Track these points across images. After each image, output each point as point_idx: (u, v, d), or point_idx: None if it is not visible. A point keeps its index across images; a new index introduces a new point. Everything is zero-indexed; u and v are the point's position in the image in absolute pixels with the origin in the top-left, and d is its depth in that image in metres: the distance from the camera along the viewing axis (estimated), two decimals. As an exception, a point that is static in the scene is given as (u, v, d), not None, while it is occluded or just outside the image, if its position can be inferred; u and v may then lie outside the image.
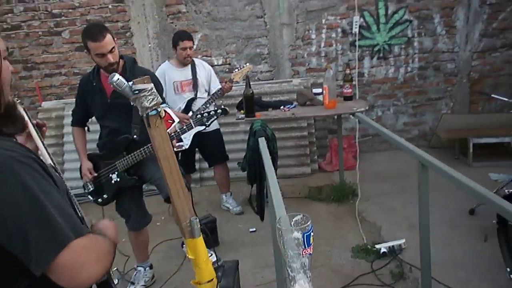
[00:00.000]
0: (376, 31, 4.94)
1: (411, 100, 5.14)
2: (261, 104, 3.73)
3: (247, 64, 3.79)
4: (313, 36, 4.96)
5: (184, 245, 3.03)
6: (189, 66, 3.74)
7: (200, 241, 1.46)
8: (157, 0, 4.87)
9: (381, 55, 5.01)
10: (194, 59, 3.83)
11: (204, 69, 3.81)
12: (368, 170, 4.54)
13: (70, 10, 4.89)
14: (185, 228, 1.45)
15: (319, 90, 3.84)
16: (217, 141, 3.88)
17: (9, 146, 0.91)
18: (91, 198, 2.67)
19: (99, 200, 2.65)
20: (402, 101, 5.14)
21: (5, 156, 0.87)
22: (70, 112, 2.83)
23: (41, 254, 0.86)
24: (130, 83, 1.33)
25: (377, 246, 3.06)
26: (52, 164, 1.28)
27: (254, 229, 3.60)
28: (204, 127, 2.58)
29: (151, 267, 3.01)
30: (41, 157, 1.12)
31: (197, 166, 4.39)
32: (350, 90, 3.81)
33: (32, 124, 1.37)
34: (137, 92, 1.31)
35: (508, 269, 2.49)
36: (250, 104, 3.40)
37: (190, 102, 3.69)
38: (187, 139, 3.62)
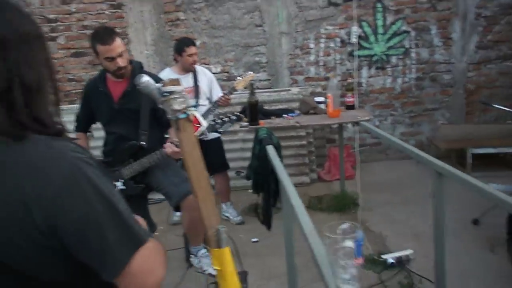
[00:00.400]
0: (374, 41, 4.97)
1: (408, 110, 5.16)
2: (264, 112, 3.69)
3: (250, 72, 3.76)
4: (312, 46, 4.96)
5: (192, 257, 2.94)
6: (191, 73, 3.69)
7: (226, 251, 1.40)
8: (156, 7, 4.82)
9: (379, 65, 5.03)
10: (196, 66, 3.78)
11: (205, 77, 3.76)
12: (367, 180, 4.51)
13: (66, 16, 4.81)
14: (211, 237, 1.39)
15: (321, 99, 3.82)
16: (218, 150, 3.82)
17: (73, 147, 0.86)
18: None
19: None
20: (399, 111, 5.16)
21: (74, 158, 0.83)
22: (66, 118, 2.73)
23: (117, 258, 0.83)
24: (159, 84, 1.27)
25: (384, 257, 3.02)
26: None
27: (257, 239, 3.53)
28: (218, 134, 2.51)
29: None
30: None
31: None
32: (352, 99, 3.80)
33: None
34: (166, 94, 1.26)
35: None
36: (255, 112, 3.35)
37: (191, 110, 3.62)
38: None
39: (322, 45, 4.96)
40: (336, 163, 4.77)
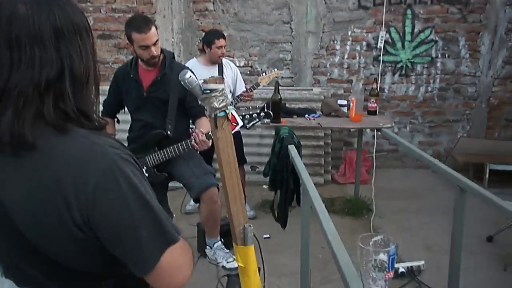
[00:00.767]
0: (401, 48, 4.93)
1: (429, 120, 5.13)
2: (286, 110, 3.70)
3: (275, 69, 3.76)
4: (338, 47, 4.94)
5: (207, 248, 2.97)
6: (216, 65, 3.70)
7: (251, 249, 1.42)
8: (185, -4, 4.84)
9: (403, 72, 4.99)
10: (223, 59, 3.80)
11: (230, 70, 3.78)
12: (382, 186, 4.50)
13: (96, -3, 4.85)
14: (238, 235, 1.42)
15: (344, 102, 3.82)
16: (237, 143, 3.78)
17: (111, 142, 0.87)
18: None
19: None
20: (419, 120, 5.13)
21: (112, 154, 0.83)
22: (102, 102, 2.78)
23: (149, 255, 0.84)
24: (201, 81, 1.30)
25: (395, 265, 3.02)
26: None
27: (268, 236, 3.55)
28: (244, 129, 2.53)
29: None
30: None
31: (212, 166, 4.35)
32: (375, 105, 3.79)
33: None
34: (208, 91, 1.28)
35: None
36: (277, 109, 3.36)
37: (214, 102, 3.65)
38: (208, 138, 3.58)
39: (348, 47, 4.94)
40: (351, 166, 4.77)
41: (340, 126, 3.68)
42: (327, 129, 4.46)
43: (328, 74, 5.02)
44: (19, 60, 0.79)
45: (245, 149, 4.25)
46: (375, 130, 3.75)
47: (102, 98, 2.85)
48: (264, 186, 4.10)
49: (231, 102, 3.65)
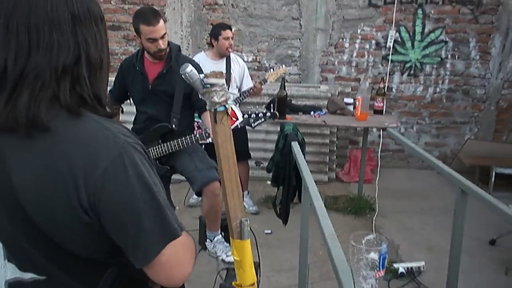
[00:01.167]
0: (410, 47, 4.89)
1: (436, 121, 5.09)
2: (292, 107, 3.70)
3: (283, 65, 3.77)
4: (347, 45, 4.92)
5: (208, 241, 2.99)
6: (224, 60, 3.71)
7: (247, 243, 1.43)
8: (195, -11, 4.84)
9: (412, 72, 4.96)
10: (230, 53, 3.80)
11: (238, 65, 3.78)
12: (385, 186, 4.49)
13: (107, -12, 4.87)
14: (235, 229, 1.42)
15: (350, 101, 3.80)
16: (242, 139, 3.85)
17: (123, 130, 0.88)
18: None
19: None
20: (426, 120, 5.10)
21: (123, 141, 0.84)
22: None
23: (149, 246, 0.84)
24: (202, 75, 1.30)
25: (395, 265, 3.03)
26: None
27: (270, 231, 3.57)
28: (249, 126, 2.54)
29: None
30: None
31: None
32: (381, 104, 3.77)
33: None
34: (208, 86, 1.28)
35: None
36: (283, 105, 3.37)
37: (220, 96, 3.66)
38: (213, 132, 3.59)
39: (357, 45, 4.92)
40: (356, 165, 4.77)
41: (345, 124, 3.67)
42: (332, 127, 4.45)
43: (336, 72, 5.00)
44: (37, 44, 0.80)
45: (250, 145, 4.26)
46: (381, 130, 3.72)
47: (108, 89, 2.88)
48: (268, 182, 4.11)
49: (237, 97, 3.66)
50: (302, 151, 3.03)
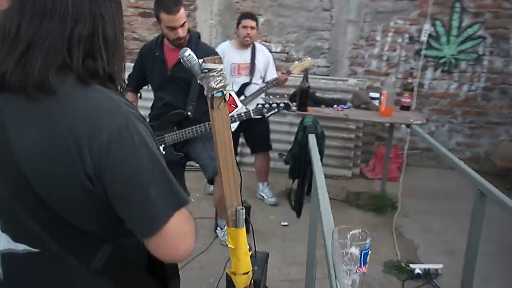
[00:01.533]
0: (445, 42, 4.70)
1: (469, 121, 4.89)
2: (315, 99, 3.64)
3: (309, 58, 3.71)
4: (378, 38, 4.78)
5: (218, 229, 3.01)
6: (249, 49, 3.69)
7: (242, 232, 1.42)
8: (227, -22, 4.83)
9: (446, 68, 4.77)
10: (256, 43, 3.78)
11: (263, 55, 3.75)
12: (411, 185, 4.36)
13: (140, -24, 4.94)
14: (230, 217, 1.42)
15: (376, 95, 3.70)
16: (263, 130, 3.83)
17: (126, 102, 0.88)
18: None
19: (143, 169, 2.66)
20: (459, 119, 4.90)
21: (127, 111, 0.85)
22: (127, 77, 2.84)
23: (156, 215, 0.83)
24: (201, 60, 1.29)
25: (412, 266, 2.94)
26: None
27: (287, 223, 3.54)
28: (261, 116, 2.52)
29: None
30: None
31: (238, 150, 4.38)
32: (409, 100, 3.65)
33: None
34: (206, 71, 1.27)
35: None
36: (305, 97, 3.32)
37: (243, 87, 3.65)
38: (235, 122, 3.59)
39: (389, 39, 4.77)
40: (381, 161, 4.64)
41: (368, 119, 3.58)
42: (357, 121, 4.35)
43: (366, 65, 4.88)
44: (53, 11, 0.82)
45: (274, 136, 4.24)
46: (409, 127, 3.60)
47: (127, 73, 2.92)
48: (288, 174, 4.08)
49: (261, 87, 3.64)
50: (321, 144, 2.99)
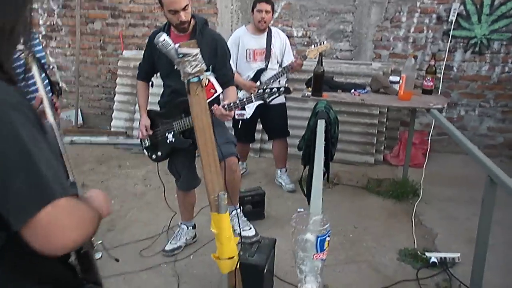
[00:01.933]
0: (476, 22, 4.46)
1: (502, 104, 4.64)
2: (332, 84, 3.55)
3: (325, 42, 3.63)
4: (404, 19, 4.60)
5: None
6: (265, 34, 3.65)
7: (225, 217, 1.43)
8: (247, -37, 4.77)
9: (477, 49, 4.53)
10: (272, 27, 3.73)
11: (280, 39, 3.70)
12: (436, 172, 4.22)
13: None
14: (213, 202, 1.42)
15: (397, 79, 3.57)
16: (280, 116, 3.80)
17: (7, 89, 0.86)
18: (146, 153, 2.74)
19: (153, 156, 2.71)
20: (491, 103, 4.66)
21: (1, 100, 0.83)
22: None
23: (24, 206, 0.81)
24: (177, 45, 1.29)
25: (428, 254, 2.86)
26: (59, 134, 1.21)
27: (303, 210, 3.52)
28: (263, 101, 2.48)
29: (194, 227, 3.06)
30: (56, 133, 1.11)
31: (258, 136, 4.37)
32: (431, 83, 3.51)
33: (48, 100, 1.31)
34: (181, 55, 1.27)
35: None
36: (319, 82, 3.25)
37: (259, 72, 3.63)
38: (250, 108, 3.58)
39: (415, 19, 4.58)
40: (406, 148, 4.51)
41: (385, 104, 3.46)
42: (374, 106, 4.22)
43: (391, 48, 4.71)
44: None
45: (295, 122, 4.20)
46: (429, 111, 3.46)
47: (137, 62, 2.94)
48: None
49: (277, 72, 3.60)
50: (333, 130, 2.93)
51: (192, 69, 1.26)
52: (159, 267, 2.81)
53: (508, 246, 3.01)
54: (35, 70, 1.30)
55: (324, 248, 0.94)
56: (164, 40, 1.25)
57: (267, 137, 4.16)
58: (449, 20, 4.48)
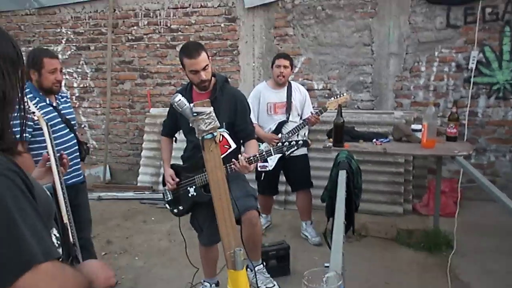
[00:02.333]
0: (497, 68, 4.44)
1: (534, 149, 4.51)
2: (353, 134, 3.56)
3: (344, 93, 3.69)
4: (423, 69, 4.64)
5: (248, 270, 2.97)
6: (285, 88, 3.74)
7: (242, 274, 1.40)
8: (267, 22, 4.99)
9: (501, 94, 4.48)
10: (292, 82, 3.83)
11: (299, 93, 3.78)
12: (469, 221, 4.05)
13: (187, 26, 5.25)
14: (229, 258, 1.41)
15: (419, 127, 3.55)
16: (303, 167, 3.79)
17: (1, 161, 0.87)
18: (168, 207, 2.76)
19: (175, 210, 2.73)
20: (522, 148, 4.53)
21: None
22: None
23: (3, 273, 0.80)
24: (191, 105, 1.34)
25: (464, 311, 2.68)
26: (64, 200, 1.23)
27: (329, 265, 3.40)
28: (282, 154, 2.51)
29: (217, 284, 3.00)
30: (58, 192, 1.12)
31: (282, 188, 4.35)
32: (454, 130, 3.46)
33: (55, 158, 1.34)
34: (195, 114, 1.32)
35: None
36: (340, 133, 3.26)
37: (281, 124, 3.68)
38: (272, 160, 3.60)
39: (434, 68, 4.61)
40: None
41: (407, 152, 3.43)
42: (396, 155, 4.16)
43: (412, 97, 4.72)
44: None
45: (319, 173, 4.18)
46: (454, 158, 3.40)
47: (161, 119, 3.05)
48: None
49: (297, 125, 3.64)
50: (356, 180, 2.90)
51: (206, 127, 1.30)
52: (182, 327, 2.74)
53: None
54: (45, 130, 1.37)
55: (338, 307, 0.91)
56: (180, 100, 1.31)
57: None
58: (469, 67, 4.48)
